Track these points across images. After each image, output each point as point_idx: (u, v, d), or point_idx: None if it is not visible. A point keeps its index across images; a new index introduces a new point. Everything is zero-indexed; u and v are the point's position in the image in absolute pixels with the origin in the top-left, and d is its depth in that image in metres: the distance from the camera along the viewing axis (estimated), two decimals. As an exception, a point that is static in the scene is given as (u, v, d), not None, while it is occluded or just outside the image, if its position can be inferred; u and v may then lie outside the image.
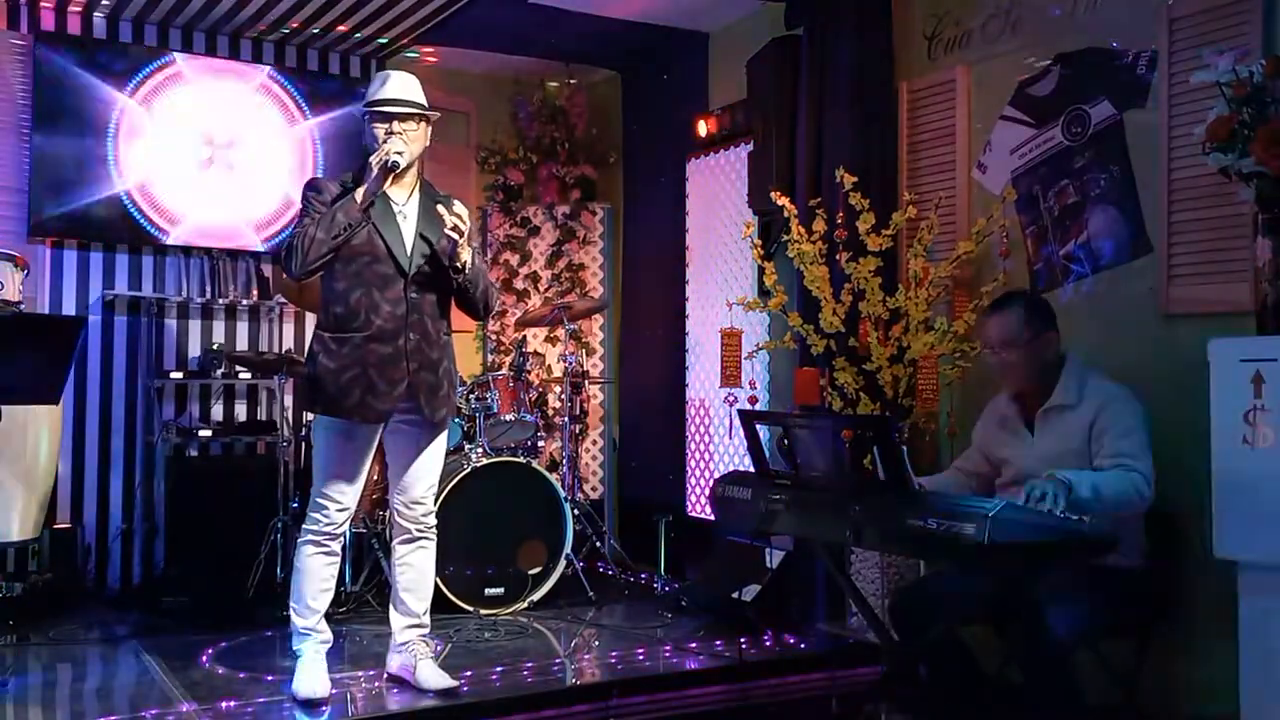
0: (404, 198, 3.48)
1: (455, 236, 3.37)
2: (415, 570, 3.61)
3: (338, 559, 3.56)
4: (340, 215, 3.31)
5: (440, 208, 3.41)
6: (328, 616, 3.59)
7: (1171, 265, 3.51)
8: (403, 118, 3.41)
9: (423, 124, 3.47)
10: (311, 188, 3.46)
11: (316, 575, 3.50)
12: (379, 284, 3.38)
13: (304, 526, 3.51)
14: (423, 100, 3.48)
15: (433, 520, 3.63)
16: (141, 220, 5.38)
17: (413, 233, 3.44)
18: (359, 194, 3.34)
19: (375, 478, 4.67)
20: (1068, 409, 3.21)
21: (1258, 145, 2.81)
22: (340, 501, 3.46)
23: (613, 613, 4.77)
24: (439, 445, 3.59)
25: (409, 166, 3.44)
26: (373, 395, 3.37)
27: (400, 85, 3.45)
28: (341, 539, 3.55)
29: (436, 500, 4.54)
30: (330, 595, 3.58)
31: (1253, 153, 2.83)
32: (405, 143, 3.39)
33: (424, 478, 3.58)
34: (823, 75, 4.49)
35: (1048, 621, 2.91)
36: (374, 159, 3.35)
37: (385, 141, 3.37)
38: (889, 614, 3.45)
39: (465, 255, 3.41)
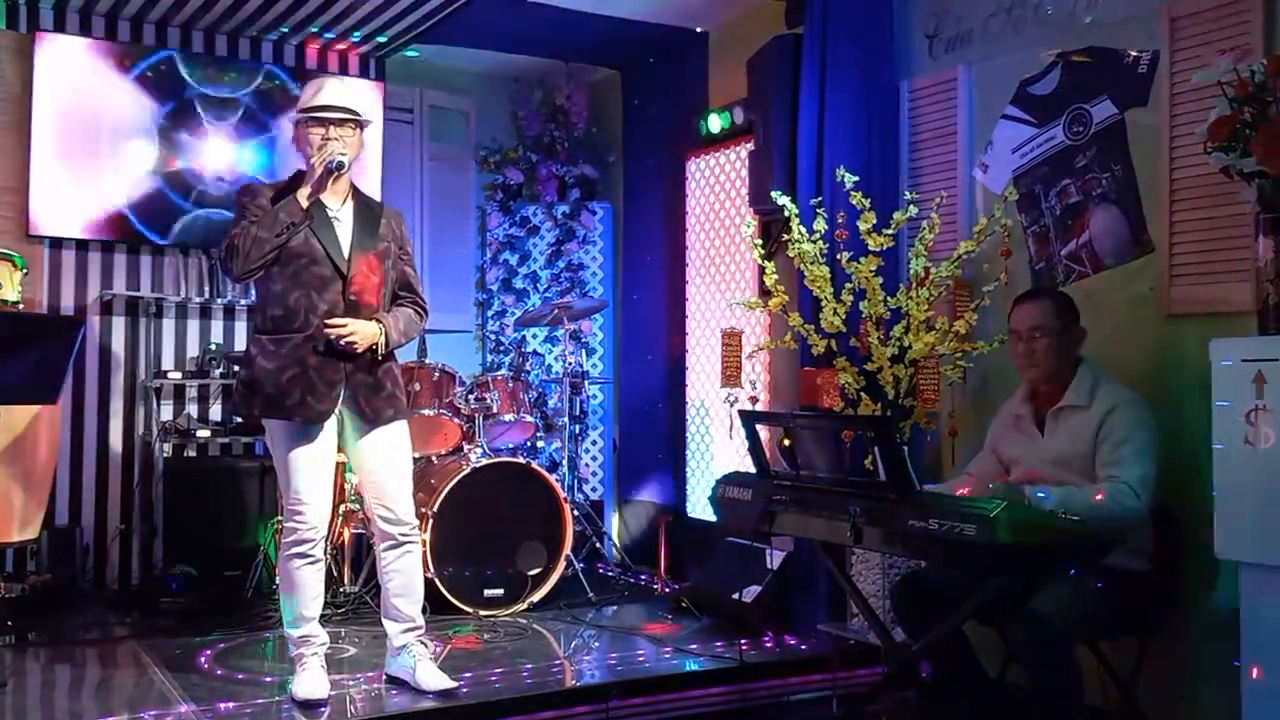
0: (338, 204, 3.53)
1: (361, 348, 3.43)
2: (404, 576, 3.60)
3: (323, 564, 3.55)
4: (283, 215, 3.35)
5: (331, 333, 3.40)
6: (325, 619, 3.58)
7: (1173, 265, 3.50)
8: (339, 123, 3.47)
9: (357, 130, 3.53)
10: (246, 193, 3.50)
11: (306, 587, 3.50)
12: (317, 286, 3.42)
13: (284, 540, 3.51)
14: (356, 106, 3.54)
15: (413, 521, 3.61)
16: (139, 221, 5.38)
17: (349, 237, 3.49)
18: (301, 194, 3.38)
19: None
20: (1079, 409, 3.22)
21: (1259, 145, 2.80)
22: (311, 503, 3.46)
23: (613, 613, 4.76)
24: (397, 445, 3.59)
25: (346, 171, 3.48)
26: (312, 395, 3.40)
27: (336, 92, 3.51)
28: (323, 543, 3.54)
29: (436, 500, 4.57)
30: (320, 601, 3.57)
31: (1254, 152, 2.82)
32: (344, 147, 3.46)
33: (391, 480, 3.57)
34: (823, 74, 4.47)
35: (1048, 621, 2.91)
36: (317, 161, 3.40)
37: (324, 146, 3.42)
38: (890, 600, 3.44)
39: (380, 343, 3.47)
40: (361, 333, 3.42)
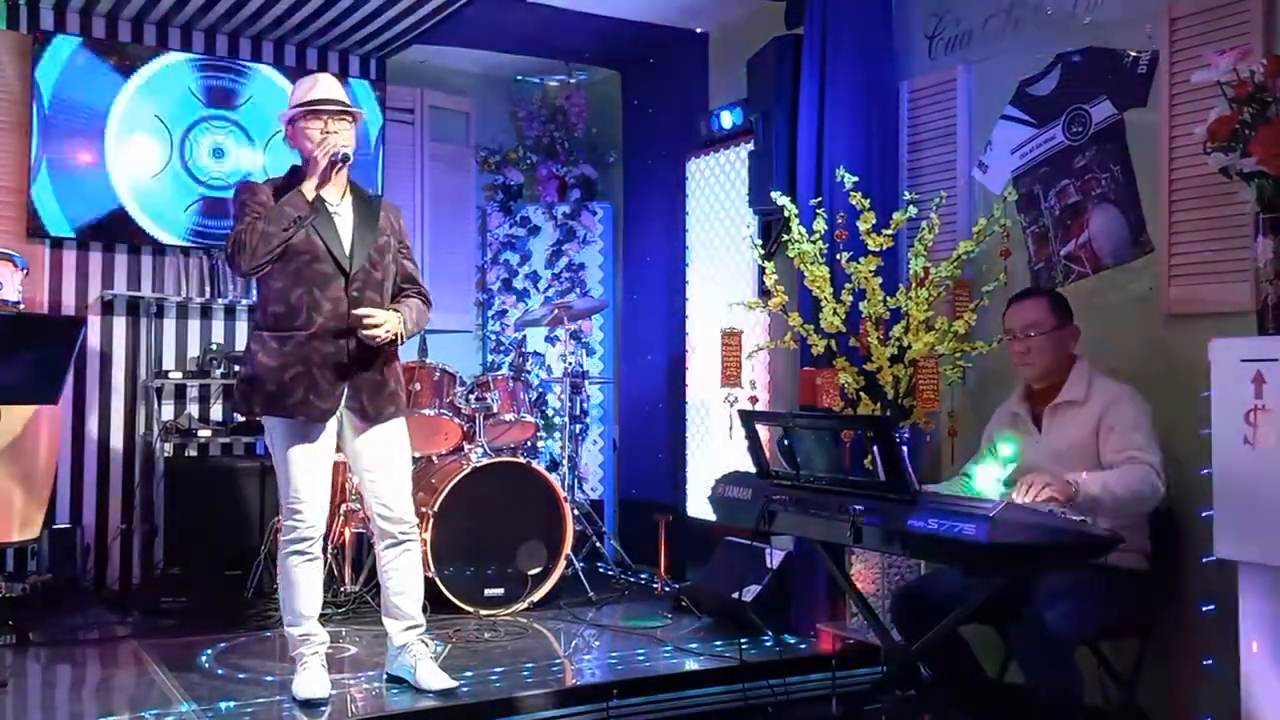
0: (337, 198, 3.53)
1: (389, 337, 3.44)
2: (403, 574, 3.60)
3: (321, 562, 3.55)
4: (289, 208, 3.35)
5: (364, 326, 3.39)
6: (326, 618, 3.58)
7: (1172, 265, 3.51)
8: (337, 115, 3.48)
9: (353, 124, 3.55)
10: (246, 190, 3.49)
11: (304, 584, 3.50)
12: (319, 282, 3.41)
13: (283, 538, 3.51)
14: (348, 100, 3.58)
15: (413, 520, 3.62)
16: (140, 220, 5.39)
17: (349, 232, 3.49)
18: (307, 187, 3.38)
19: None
20: (1075, 404, 3.25)
21: (1258, 145, 2.80)
22: (310, 501, 3.47)
23: (613, 613, 4.76)
24: (396, 443, 3.59)
25: (345, 164, 3.49)
26: (315, 394, 3.39)
27: (330, 86, 3.54)
28: (322, 541, 3.54)
29: (437, 500, 4.57)
30: (320, 599, 3.58)
31: (1253, 152, 2.81)
32: (344, 140, 3.47)
33: (391, 479, 3.57)
34: (823, 75, 4.48)
35: (1048, 621, 2.91)
36: (320, 153, 3.41)
37: (325, 138, 3.43)
38: (890, 614, 3.45)
39: (400, 332, 3.47)
40: (390, 322, 3.42)
